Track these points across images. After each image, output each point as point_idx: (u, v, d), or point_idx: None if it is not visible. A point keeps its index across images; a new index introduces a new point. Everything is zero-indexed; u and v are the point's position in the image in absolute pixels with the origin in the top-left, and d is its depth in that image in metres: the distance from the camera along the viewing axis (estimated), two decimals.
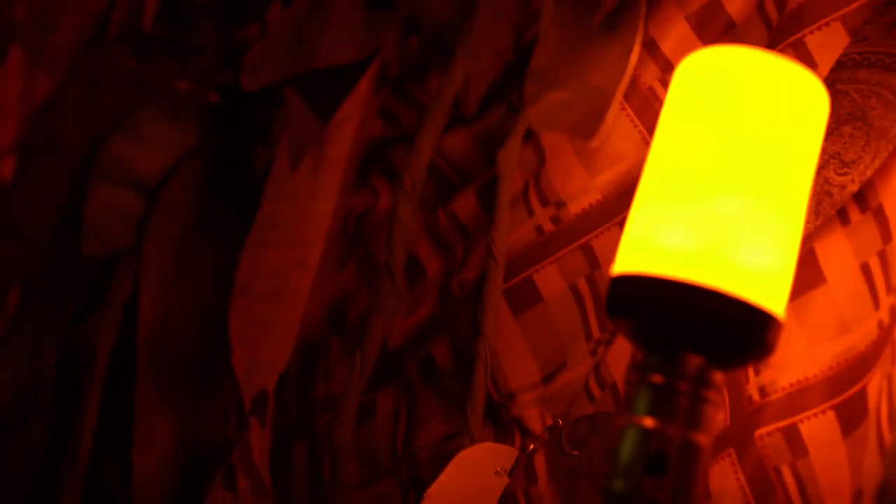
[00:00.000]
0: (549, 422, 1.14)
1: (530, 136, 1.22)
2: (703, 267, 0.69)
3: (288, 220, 1.37)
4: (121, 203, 1.47)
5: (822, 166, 0.98)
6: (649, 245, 0.72)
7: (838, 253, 0.99)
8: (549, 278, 1.16)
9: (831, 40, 1.03)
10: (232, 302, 1.36)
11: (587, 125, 1.13)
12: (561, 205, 1.17)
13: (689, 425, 0.70)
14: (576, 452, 1.10)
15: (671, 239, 0.71)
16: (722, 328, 0.70)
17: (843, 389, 0.97)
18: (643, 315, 0.73)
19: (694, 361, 0.70)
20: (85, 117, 1.52)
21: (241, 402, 1.32)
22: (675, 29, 1.14)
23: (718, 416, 0.98)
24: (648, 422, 0.70)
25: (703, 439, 0.70)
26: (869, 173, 0.99)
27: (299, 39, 1.40)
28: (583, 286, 1.15)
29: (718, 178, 0.71)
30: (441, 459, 1.14)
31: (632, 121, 1.14)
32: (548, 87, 1.19)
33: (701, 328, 0.70)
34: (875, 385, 0.97)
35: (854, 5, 1.03)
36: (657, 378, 0.71)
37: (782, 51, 1.05)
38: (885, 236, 0.99)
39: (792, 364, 0.98)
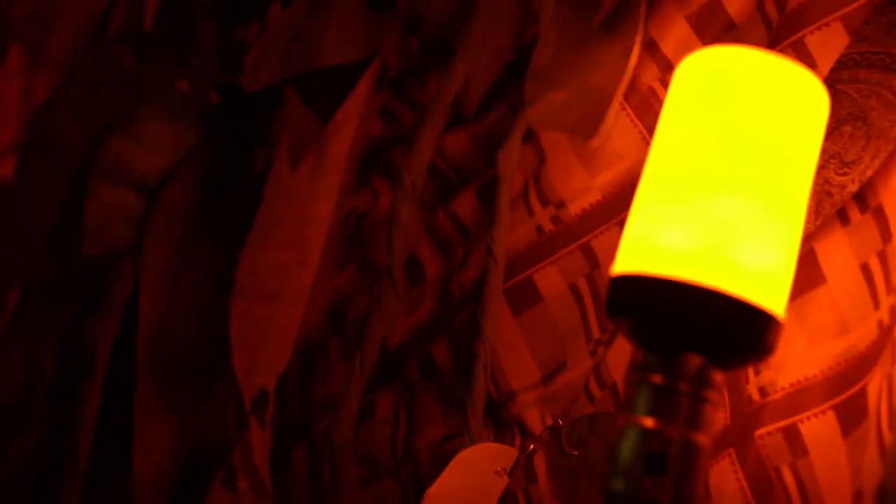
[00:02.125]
0: (549, 422, 1.14)
1: (530, 136, 1.22)
2: (703, 267, 0.70)
3: (288, 220, 1.37)
4: (120, 203, 1.47)
5: (822, 166, 0.98)
6: (649, 245, 0.72)
7: (838, 253, 0.98)
8: (549, 278, 1.16)
9: (831, 40, 1.03)
10: (232, 302, 1.36)
11: (587, 125, 1.13)
12: (561, 205, 1.17)
13: (689, 425, 0.70)
14: (576, 452, 1.10)
15: (671, 239, 0.71)
16: (722, 328, 0.70)
17: (843, 389, 0.96)
18: (643, 315, 0.73)
19: (694, 361, 0.71)
20: (85, 117, 1.52)
21: (241, 402, 1.32)
22: (675, 29, 1.14)
23: (718, 416, 0.98)
24: (649, 422, 0.70)
25: (703, 439, 0.70)
26: (869, 173, 0.98)
27: (299, 39, 1.40)
28: (583, 286, 1.15)
29: (718, 177, 0.71)
30: (441, 460, 1.14)
31: (632, 121, 1.14)
32: (548, 87, 1.19)
33: (701, 328, 0.70)
34: (875, 385, 0.97)
35: (854, 5, 1.03)
36: (657, 378, 0.71)
37: (782, 51, 1.05)
38: (885, 236, 0.99)
39: (792, 364, 0.97)
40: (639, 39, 1.14)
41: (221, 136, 1.50)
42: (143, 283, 1.43)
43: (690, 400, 0.70)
